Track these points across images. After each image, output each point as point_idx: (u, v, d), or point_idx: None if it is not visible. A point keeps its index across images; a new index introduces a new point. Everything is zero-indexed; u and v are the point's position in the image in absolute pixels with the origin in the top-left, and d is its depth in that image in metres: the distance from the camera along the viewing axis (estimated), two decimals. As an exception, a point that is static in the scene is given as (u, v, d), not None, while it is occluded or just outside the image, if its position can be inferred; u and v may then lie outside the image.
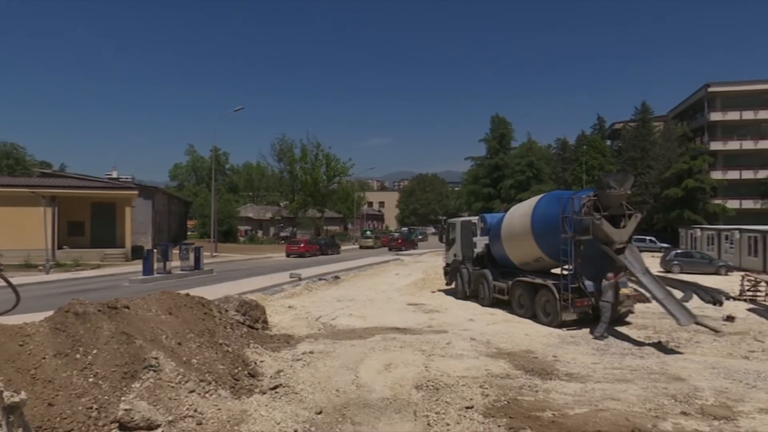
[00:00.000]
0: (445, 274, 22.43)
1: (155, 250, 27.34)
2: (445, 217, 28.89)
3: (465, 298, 19.63)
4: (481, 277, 18.74)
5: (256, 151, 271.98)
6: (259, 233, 75.29)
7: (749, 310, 17.86)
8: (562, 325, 14.47)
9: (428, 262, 37.45)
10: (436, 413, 7.93)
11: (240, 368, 9.22)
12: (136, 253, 35.77)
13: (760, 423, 7.75)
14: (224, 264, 36.75)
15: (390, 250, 55.35)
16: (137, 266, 29.18)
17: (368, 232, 70.20)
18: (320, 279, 26.06)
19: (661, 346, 12.61)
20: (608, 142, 75.12)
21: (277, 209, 78.44)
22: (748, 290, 20.34)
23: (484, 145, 76.48)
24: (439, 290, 22.30)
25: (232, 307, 12.70)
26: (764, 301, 19.02)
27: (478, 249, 20.03)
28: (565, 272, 14.77)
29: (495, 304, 17.86)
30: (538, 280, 15.76)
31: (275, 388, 8.76)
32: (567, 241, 14.40)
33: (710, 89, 60.61)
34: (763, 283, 20.12)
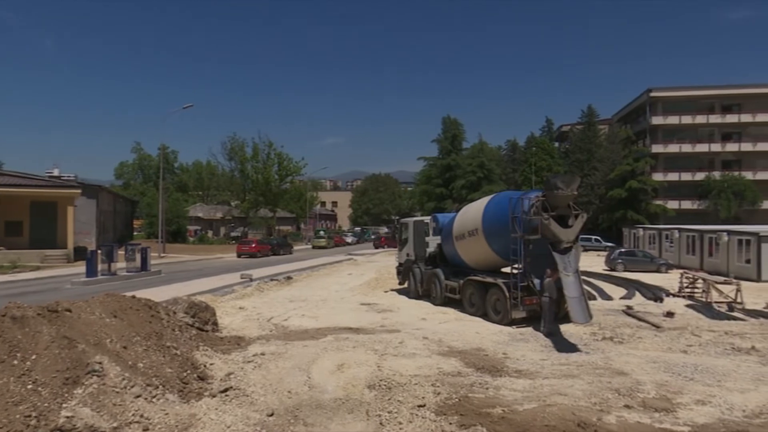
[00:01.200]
0: (398, 273, 22.54)
1: (99, 251, 26.44)
2: (398, 217, 29.06)
3: (417, 297, 19.76)
4: (434, 277, 18.91)
5: (206, 150, 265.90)
6: (209, 233, 73.79)
7: (687, 306, 18.66)
8: (512, 322, 14.76)
9: (381, 262, 37.55)
10: (389, 412, 7.96)
11: (189, 371, 9.01)
12: (79, 254, 34.46)
13: (697, 414, 8.11)
14: (173, 265, 35.85)
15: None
16: (80, 268, 28.15)
17: (321, 232, 69.89)
18: (272, 279, 25.76)
19: (605, 342, 13.03)
20: (556, 144, 77.26)
21: (227, 209, 77.02)
22: (687, 287, 21.24)
23: (437, 146, 77.28)
24: (392, 290, 22.39)
25: (181, 309, 12.39)
26: (701, 297, 19.89)
27: (431, 248, 20.22)
28: (515, 271, 15.08)
29: (447, 303, 18.06)
30: (489, 279, 16.02)
31: (225, 390, 8.61)
32: (517, 241, 14.70)
33: (652, 94, 63.08)
34: (700, 280, 21.04)
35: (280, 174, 68.89)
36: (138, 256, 28.48)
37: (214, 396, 8.36)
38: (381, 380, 9.41)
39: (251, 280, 25.31)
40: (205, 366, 9.63)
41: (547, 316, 13.83)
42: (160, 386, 7.97)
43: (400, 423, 7.60)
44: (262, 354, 11.10)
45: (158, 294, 17.24)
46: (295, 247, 56.53)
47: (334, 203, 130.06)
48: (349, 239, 73.09)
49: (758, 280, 25.71)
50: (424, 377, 9.68)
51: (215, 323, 13.28)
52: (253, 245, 46.28)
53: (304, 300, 19.67)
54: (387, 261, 36.15)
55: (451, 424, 7.56)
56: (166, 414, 7.31)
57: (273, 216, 71.59)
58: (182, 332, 10.95)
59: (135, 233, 66.90)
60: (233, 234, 71.48)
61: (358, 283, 25.24)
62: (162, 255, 41.77)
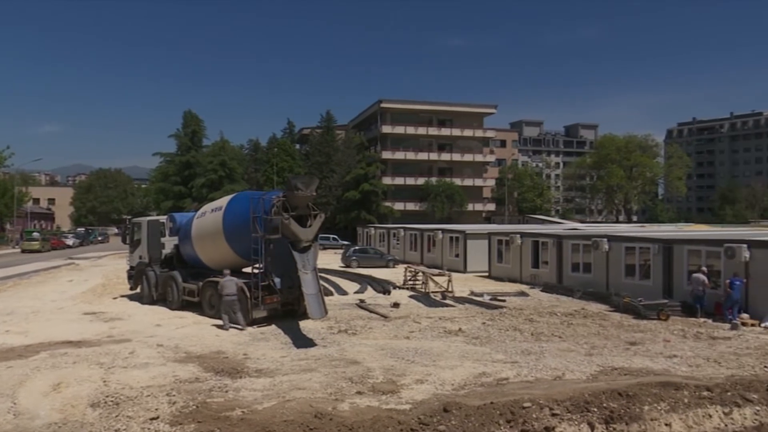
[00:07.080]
0: (129, 278, 20.78)
1: None
2: (129, 217, 26.79)
3: (152, 302, 18.49)
4: (170, 280, 17.90)
5: None
6: None
7: (410, 296, 20.91)
8: (252, 322, 14.75)
9: (109, 266, 34.15)
10: (116, 430, 7.28)
11: None
12: None
13: (417, 392, 9.15)
14: None
15: None
16: None
17: (34, 233, 60.47)
18: (-35, 291, 21.46)
19: (341, 335, 13.86)
20: (297, 146, 79.56)
21: None
22: (410, 280, 23.81)
23: (175, 141, 73.08)
24: (122, 296, 20.54)
25: None
26: (421, 288, 22.46)
27: (167, 250, 19.11)
28: (256, 271, 15.10)
29: (185, 306, 17.25)
30: (229, 280, 15.73)
31: None
32: (258, 241, 14.74)
33: (382, 105, 69.57)
34: (420, 273, 23.76)
35: (-23, 165, 57.89)
36: None
37: None
38: (107, 396, 8.59)
39: (-66, 292, 20.73)
40: None
41: (241, 311, 14.40)
42: None
43: (130, 440, 7.02)
44: (-51, 382, 9.18)
45: None
46: (-1, 252, 48.10)
47: (51, 200, 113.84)
48: (70, 241, 64.50)
49: (465, 271, 30.00)
50: (158, 387, 9.10)
51: None
52: (-62, 250, 38.08)
53: (9, 313, 16.85)
54: (116, 265, 32.97)
55: (187, 433, 7.23)
56: None
57: (-33, 215, 59.77)
58: None
59: None
60: None
61: (81, 291, 22.55)
62: None
